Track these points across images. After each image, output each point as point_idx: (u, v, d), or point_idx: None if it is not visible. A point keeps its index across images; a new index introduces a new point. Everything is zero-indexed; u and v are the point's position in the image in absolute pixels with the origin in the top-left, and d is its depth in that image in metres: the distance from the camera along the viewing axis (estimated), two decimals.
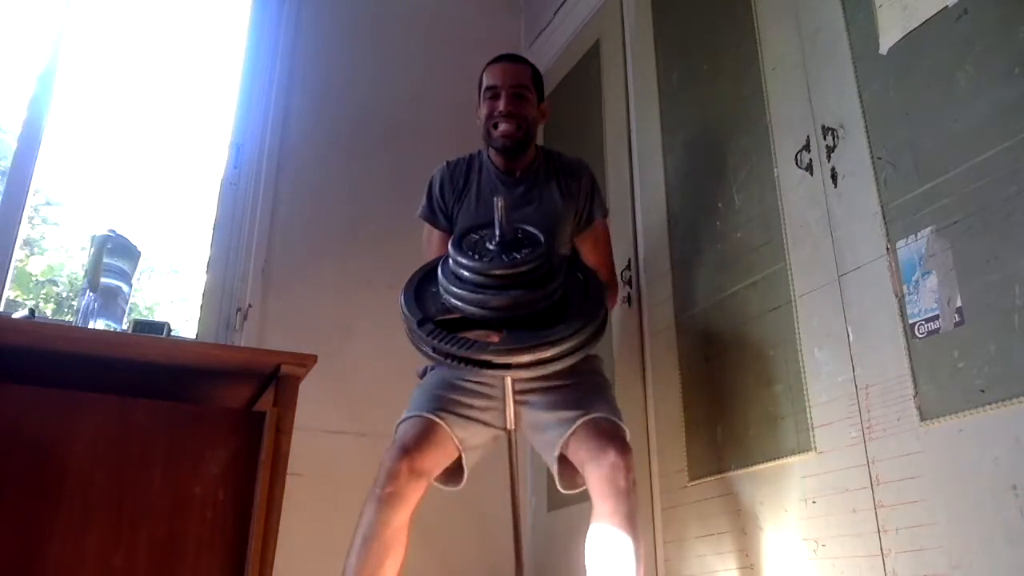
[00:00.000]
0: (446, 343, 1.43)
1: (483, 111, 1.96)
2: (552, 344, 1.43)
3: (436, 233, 1.98)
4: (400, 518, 1.61)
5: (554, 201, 1.94)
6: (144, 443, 1.72)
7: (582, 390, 1.73)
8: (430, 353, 1.49)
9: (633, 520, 1.56)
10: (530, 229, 1.56)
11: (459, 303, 1.48)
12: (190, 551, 1.69)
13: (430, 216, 2.00)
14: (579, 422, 1.65)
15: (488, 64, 2.01)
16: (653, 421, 2.16)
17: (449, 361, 1.45)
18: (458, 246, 1.53)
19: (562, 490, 1.74)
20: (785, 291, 1.78)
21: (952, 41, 1.46)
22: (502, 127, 1.91)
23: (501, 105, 1.91)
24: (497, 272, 1.46)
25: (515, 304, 1.44)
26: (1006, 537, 1.25)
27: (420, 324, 1.48)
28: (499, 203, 1.50)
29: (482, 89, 1.98)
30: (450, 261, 1.53)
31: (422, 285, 1.60)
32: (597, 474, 1.59)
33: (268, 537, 1.69)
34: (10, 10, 2.78)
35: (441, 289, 1.52)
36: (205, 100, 3.08)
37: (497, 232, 1.51)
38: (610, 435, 1.63)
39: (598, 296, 1.57)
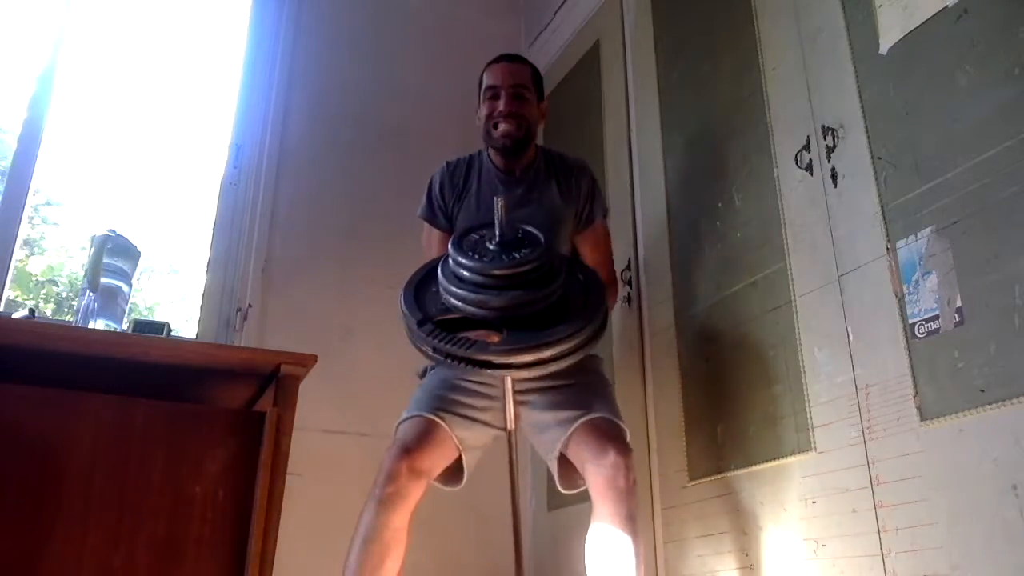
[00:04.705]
0: (446, 343, 1.42)
1: (483, 111, 1.97)
2: (552, 344, 1.43)
3: (436, 233, 2.00)
4: (400, 519, 1.61)
5: (554, 201, 1.95)
6: (144, 443, 1.72)
7: (582, 390, 1.74)
8: (430, 353, 1.48)
9: (633, 520, 1.56)
10: (530, 229, 1.56)
11: (459, 303, 1.47)
12: (190, 551, 1.69)
13: (430, 216, 2.01)
14: (579, 422, 1.66)
15: (488, 64, 2.02)
16: (653, 421, 2.16)
17: (449, 361, 1.44)
18: (458, 246, 1.52)
19: (562, 490, 1.75)
20: (785, 291, 1.78)
21: (952, 41, 1.46)
22: (502, 127, 1.92)
23: (501, 105, 1.92)
24: (497, 272, 1.45)
25: (515, 304, 1.44)
26: (1006, 537, 1.25)
27: (420, 324, 1.47)
28: (499, 203, 1.49)
29: (482, 89, 2.00)
30: (450, 261, 1.52)
31: (422, 285, 1.59)
32: (597, 474, 1.60)
33: (268, 537, 1.68)
34: (10, 10, 2.78)
35: (441, 289, 1.52)
36: (205, 101, 3.08)
37: (497, 232, 1.50)
38: (610, 435, 1.64)
39: (598, 296, 1.57)
